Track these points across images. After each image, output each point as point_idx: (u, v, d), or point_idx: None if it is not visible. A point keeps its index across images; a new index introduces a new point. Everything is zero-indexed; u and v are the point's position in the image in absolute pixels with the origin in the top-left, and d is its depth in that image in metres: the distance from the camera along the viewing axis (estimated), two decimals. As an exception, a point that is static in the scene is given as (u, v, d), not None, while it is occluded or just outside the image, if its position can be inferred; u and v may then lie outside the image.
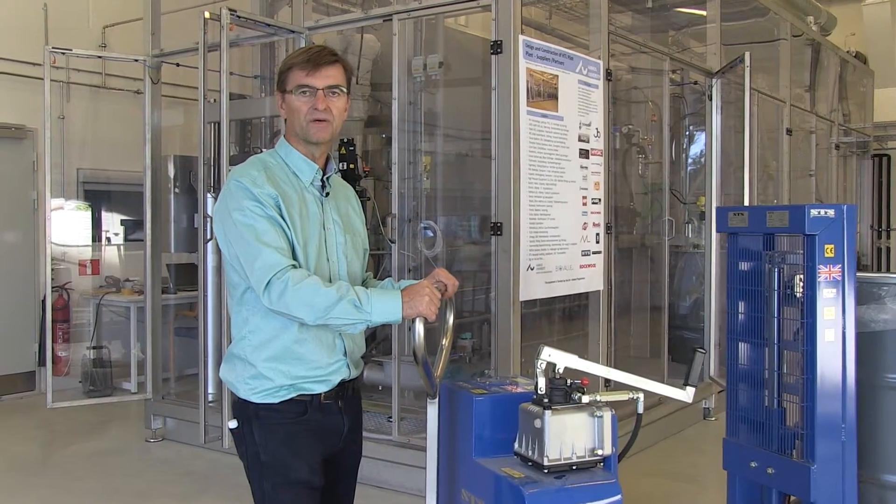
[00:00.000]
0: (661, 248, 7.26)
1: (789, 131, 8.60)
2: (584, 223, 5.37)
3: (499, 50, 4.77)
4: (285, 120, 2.70)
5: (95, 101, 8.50)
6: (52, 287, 7.56)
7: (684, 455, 6.11)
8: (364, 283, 2.82)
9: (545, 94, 4.99)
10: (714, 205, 6.85)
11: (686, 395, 2.80)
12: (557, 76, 5.08)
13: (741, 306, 3.26)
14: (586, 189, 5.37)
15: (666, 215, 6.89)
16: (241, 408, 2.60)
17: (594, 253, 5.47)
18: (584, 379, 2.60)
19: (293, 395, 2.55)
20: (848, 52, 11.28)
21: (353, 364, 2.68)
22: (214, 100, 5.81)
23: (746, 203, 6.02)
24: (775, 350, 3.08)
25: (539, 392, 2.57)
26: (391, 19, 5.29)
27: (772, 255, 3.10)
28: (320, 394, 2.59)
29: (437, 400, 2.69)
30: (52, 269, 7.33)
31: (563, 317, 6.69)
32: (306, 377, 2.56)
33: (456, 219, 6.65)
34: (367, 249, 2.85)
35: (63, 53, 6.38)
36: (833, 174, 10.66)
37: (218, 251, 6.07)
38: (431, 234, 6.03)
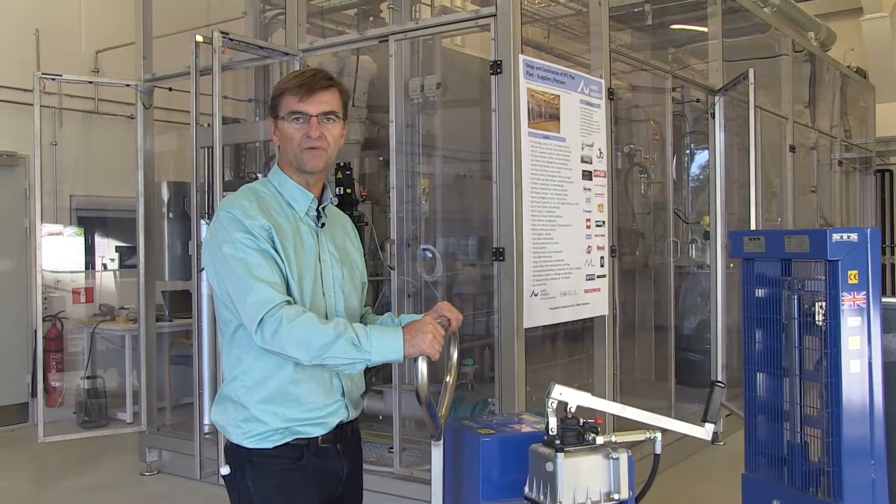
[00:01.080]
0: (664, 268, 7.12)
1: (793, 148, 8.48)
2: (588, 246, 5.23)
3: (499, 70, 4.64)
4: (279, 147, 2.57)
5: (88, 126, 8.38)
6: (45, 316, 7.42)
7: (695, 483, 5.94)
8: (362, 319, 2.67)
9: (546, 115, 4.86)
10: (719, 224, 6.72)
11: (705, 432, 2.64)
12: (559, 96, 4.95)
13: (758, 335, 3.11)
14: (590, 211, 5.23)
15: (671, 236, 6.75)
16: (234, 453, 2.44)
17: (599, 277, 5.32)
18: (597, 418, 2.45)
19: (288, 439, 2.40)
20: (848, 67, 11.19)
21: (352, 404, 2.53)
22: (207, 124, 5.68)
23: (753, 223, 5.89)
24: (797, 381, 2.93)
25: (550, 433, 2.41)
26: (387, 40, 5.17)
27: (790, 282, 2.95)
28: (317, 437, 2.43)
29: (441, 441, 2.54)
30: (45, 298, 7.20)
31: (566, 338, 6.54)
32: (302, 420, 2.40)
33: (455, 241, 6.53)
34: (365, 283, 2.70)
35: (53, 79, 6.26)
36: (836, 191, 10.55)
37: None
38: (431, 255, 5.90)
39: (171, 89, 6.35)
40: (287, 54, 5.54)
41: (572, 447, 2.39)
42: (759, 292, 3.10)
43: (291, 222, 2.47)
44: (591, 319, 5.53)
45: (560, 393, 2.43)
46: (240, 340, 2.41)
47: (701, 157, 8.40)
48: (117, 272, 8.73)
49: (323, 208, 2.56)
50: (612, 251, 5.49)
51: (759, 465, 3.10)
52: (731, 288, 6.95)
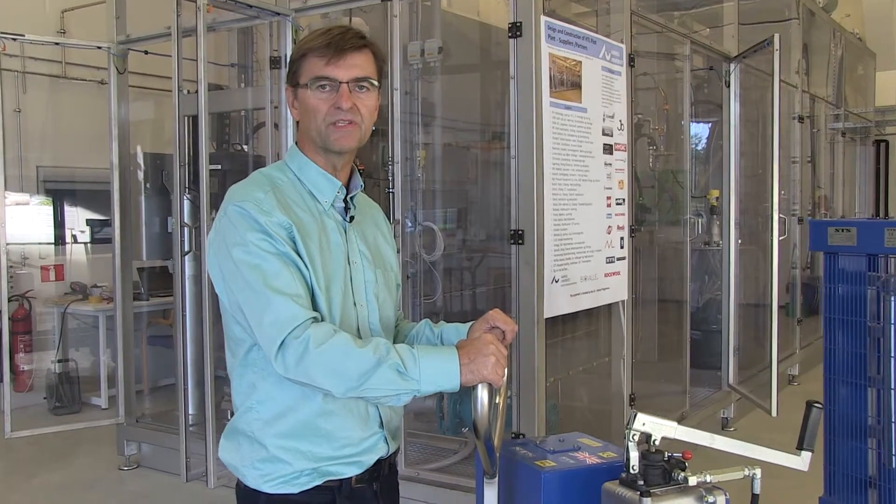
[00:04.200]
0: (670, 245, 6.76)
1: (801, 118, 8.11)
2: (609, 227, 4.82)
3: (518, 33, 4.17)
4: (297, 122, 2.11)
5: (55, 92, 7.80)
6: (12, 296, 6.90)
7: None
8: (396, 328, 2.24)
9: (568, 83, 4.41)
10: (733, 200, 6.35)
11: (802, 461, 2.24)
12: (581, 62, 4.50)
13: (840, 339, 2.71)
14: (610, 189, 4.82)
15: (687, 213, 6.37)
16: (249, 498, 2.00)
17: (619, 259, 4.92)
18: (686, 452, 2.05)
19: (318, 481, 1.96)
20: (852, 33, 10.82)
21: (391, 436, 2.10)
22: (188, 91, 5.19)
23: (775, 199, 5.49)
24: (892, 395, 2.54)
25: (631, 470, 2.00)
26: (391, 0, 4.68)
27: (885, 280, 2.56)
28: (351, 477, 2.00)
29: (496, 479, 2.12)
30: (11, 277, 6.68)
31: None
32: (334, 458, 1.97)
33: (451, 214, 6.15)
34: (399, 285, 2.26)
35: (15, 40, 5.69)
36: (836, 161, 10.22)
37: (196, 259, 5.50)
38: (412, 227, 5.50)
39: (146, 52, 5.82)
40: (278, 14, 5.03)
41: (658, 488, 1.98)
42: (841, 290, 2.70)
43: (315, 217, 2.01)
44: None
45: (643, 423, 2.01)
46: (255, 363, 1.96)
47: (705, 127, 8.01)
48: (89, 246, 8.21)
49: (352, 198, 2.11)
50: (632, 231, 5.09)
51: (839, 488, 2.72)
52: (741, 267, 6.61)
